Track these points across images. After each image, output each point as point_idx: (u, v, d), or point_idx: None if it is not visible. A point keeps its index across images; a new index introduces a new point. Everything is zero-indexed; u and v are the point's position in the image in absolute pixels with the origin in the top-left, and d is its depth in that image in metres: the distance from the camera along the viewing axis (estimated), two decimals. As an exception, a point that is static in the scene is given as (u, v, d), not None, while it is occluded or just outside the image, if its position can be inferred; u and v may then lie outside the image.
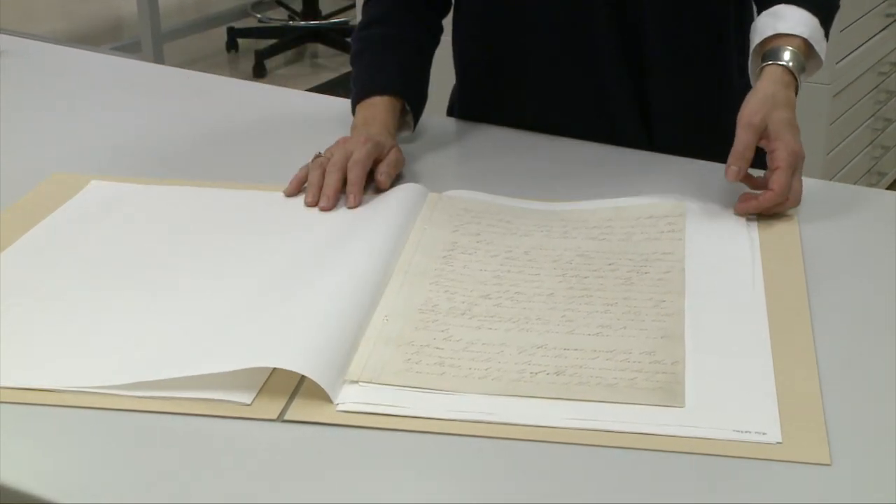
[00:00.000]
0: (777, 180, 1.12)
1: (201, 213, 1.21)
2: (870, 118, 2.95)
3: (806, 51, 1.20)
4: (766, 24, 1.21)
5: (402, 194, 1.21)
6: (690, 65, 1.34)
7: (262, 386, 0.91)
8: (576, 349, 0.95)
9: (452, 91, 1.51)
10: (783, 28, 1.19)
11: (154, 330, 0.98)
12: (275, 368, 0.92)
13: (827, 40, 1.22)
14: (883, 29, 2.82)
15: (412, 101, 1.35)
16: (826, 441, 0.84)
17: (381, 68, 1.36)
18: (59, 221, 1.18)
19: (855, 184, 2.78)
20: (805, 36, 1.19)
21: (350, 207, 1.18)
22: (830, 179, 2.68)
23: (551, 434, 0.85)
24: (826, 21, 1.22)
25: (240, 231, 1.17)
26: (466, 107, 1.47)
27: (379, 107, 1.31)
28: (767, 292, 1.04)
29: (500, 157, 1.34)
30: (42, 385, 0.91)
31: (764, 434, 0.85)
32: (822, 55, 1.21)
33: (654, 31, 1.31)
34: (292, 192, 1.22)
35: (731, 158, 1.14)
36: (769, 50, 1.19)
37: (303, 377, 0.91)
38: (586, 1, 1.30)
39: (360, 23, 1.42)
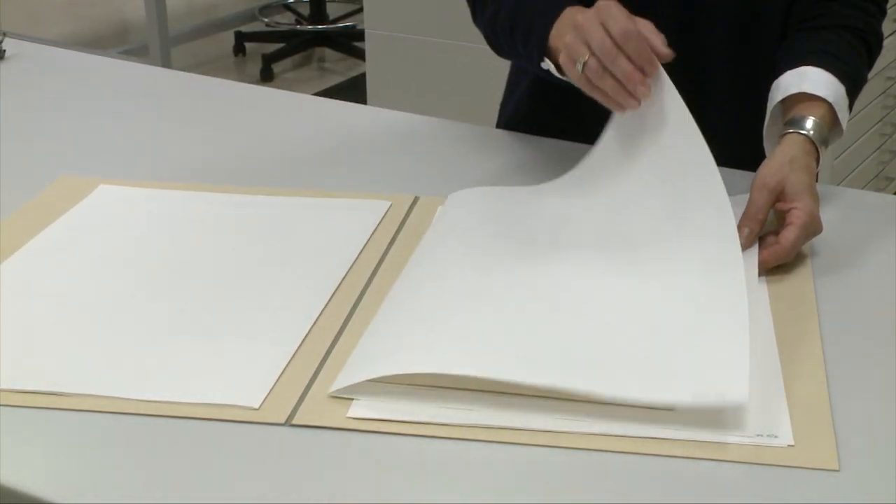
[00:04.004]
0: (786, 236, 1.06)
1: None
2: (877, 123, 2.95)
3: (830, 119, 1.15)
4: (791, 82, 1.17)
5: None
6: (750, 90, 1.30)
7: (271, 390, 0.91)
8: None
9: (502, 104, 1.50)
10: (809, 88, 1.15)
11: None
12: (283, 371, 0.93)
13: (850, 112, 1.18)
14: (891, 34, 2.82)
15: None
16: (835, 446, 0.84)
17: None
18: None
19: (862, 188, 2.78)
20: (830, 100, 1.15)
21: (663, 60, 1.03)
22: (838, 184, 2.68)
23: (559, 439, 0.85)
24: (852, 92, 1.18)
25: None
26: (518, 119, 1.45)
27: (575, 10, 1.12)
28: (775, 297, 1.03)
29: (549, 169, 1.32)
30: (45, 389, 0.91)
31: (775, 437, 0.84)
32: (844, 125, 1.17)
33: (718, 55, 1.29)
34: (626, 104, 1.05)
35: (742, 219, 1.08)
36: (792, 118, 1.15)
37: (311, 382, 0.91)
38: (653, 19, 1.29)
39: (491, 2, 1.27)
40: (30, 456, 0.85)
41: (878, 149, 3.00)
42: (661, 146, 1.10)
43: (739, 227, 1.07)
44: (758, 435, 0.85)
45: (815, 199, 1.09)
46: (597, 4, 1.06)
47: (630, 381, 0.88)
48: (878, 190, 2.99)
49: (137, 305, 1.03)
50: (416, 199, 1.24)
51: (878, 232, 1.16)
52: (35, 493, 0.81)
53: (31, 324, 1.00)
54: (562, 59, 1.09)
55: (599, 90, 1.05)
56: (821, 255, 1.11)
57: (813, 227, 1.08)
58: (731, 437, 0.84)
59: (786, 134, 1.14)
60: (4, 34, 1.76)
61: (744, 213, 1.09)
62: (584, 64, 1.04)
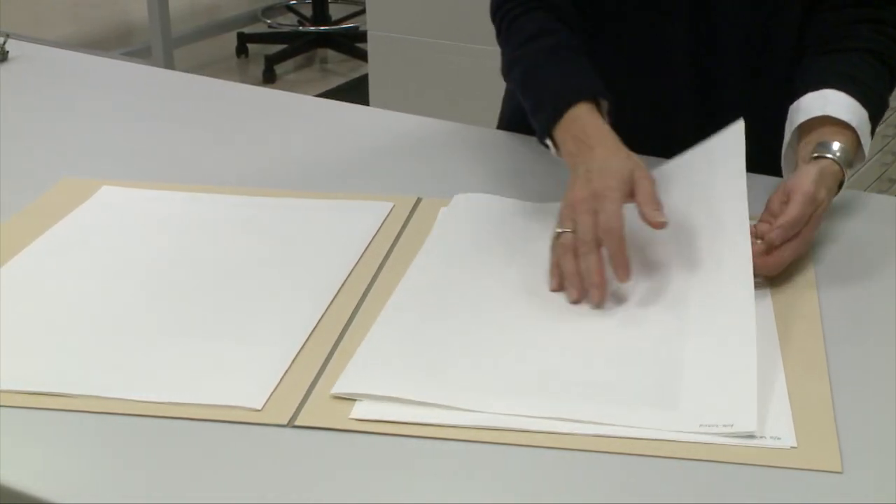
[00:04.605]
0: (785, 247, 1.04)
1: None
2: (881, 125, 2.94)
3: (853, 144, 1.13)
4: (814, 104, 1.14)
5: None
6: (760, 94, 1.30)
7: (273, 391, 0.91)
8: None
9: (503, 103, 1.49)
10: (832, 111, 1.12)
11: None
12: (286, 373, 0.93)
13: (871, 138, 1.16)
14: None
15: (609, 100, 1.18)
16: (838, 448, 0.84)
17: (572, 75, 1.18)
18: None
19: (866, 190, 2.77)
20: (854, 125, 1.12)
21: (622, 282, 1.01)
22: (841, 186, 2.67)
23: (562, 441, 0.85)
24: (874, 117, 1.16)
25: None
26: (520, 118, 1.45)
27: (586, 118, 1.13)
28: (777, 299, 1.03)
29: (552, 172, 1.29)
30: (48, 390, 0.91)
31: (778, 439, 0.84)
32: (867, 150, 1.14)
33: (730, 77, 1.29)
34: (556, 287, 1.04)
35: (785, 222, 1.04)
36: (821, 142, 1.12)
37: (313, 383, 0.92)
38: (664, 20, 1.28)
39: (516, 41, 1.26)
40: (32, 457, 0.85)
41: (880, 150, 3.00)
42: (700, 204, 1.10)
43: (776, 227, 1.04)
44: (761, 437, 0.85)
45: (819, 224, 1.09)
46: (596, 188, 1.04)
47: (637, 410, 0.88)
48: (881, 192, 2.99)
49: (140, 306, 1.03)
50: (418, 201, 1.24)
51: (880, 234, 1.16)
52: (37, 494, 0.81)
53: (33, 325, 1.00)
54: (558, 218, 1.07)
55: (560, 266, 1.04)
56: (823, 257, 1.11)
57: (805, 247, 1.07)
58: (734, 439, 0.84)
59: (815, 158, 1.11)
60: (7, 35, 1.76)
61: (786, 219, 1.04)
62: (561, 235, 1.04)
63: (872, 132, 1.16)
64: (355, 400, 0.89)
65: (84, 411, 0.89)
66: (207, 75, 1.75)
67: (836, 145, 1.11)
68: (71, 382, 0.92)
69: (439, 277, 1.07)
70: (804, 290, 1.05)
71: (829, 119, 1.13)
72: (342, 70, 4.57)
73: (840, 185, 1.12)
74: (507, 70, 1.27)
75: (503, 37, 1.30)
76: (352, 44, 4.53)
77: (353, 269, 1.09)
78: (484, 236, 1.14)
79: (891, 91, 1.23)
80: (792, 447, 0.84)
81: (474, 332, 0.98)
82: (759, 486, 0.80)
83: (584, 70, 1.19)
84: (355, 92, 4.08)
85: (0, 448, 0.85)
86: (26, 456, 0.85)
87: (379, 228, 1.17)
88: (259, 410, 0.89)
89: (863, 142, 1.14)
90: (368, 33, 2.95)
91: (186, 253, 1.14)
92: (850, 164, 1.12)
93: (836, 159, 1.10)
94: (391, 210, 1.21)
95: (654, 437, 0.85)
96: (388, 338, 0.97)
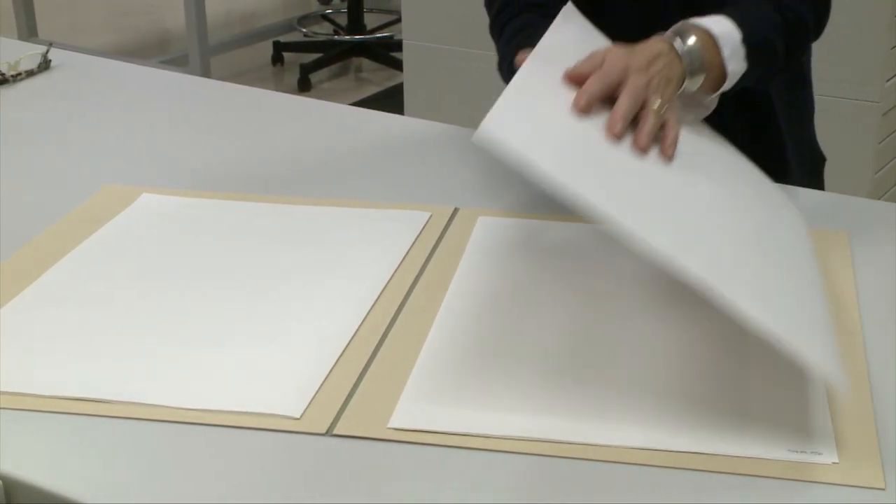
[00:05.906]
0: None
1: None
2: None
3: (706, 43, 1.10)
4: (689, 20, 1.14)
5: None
6: (756, 100, 1.31)
7: (312, 400, 0.91)
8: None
9: None
10: (697, 21, 1.12)
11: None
12: (325, 382, 0.93)
13: (746, 67, 1.13)
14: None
15: None
16: (880, 463, 0.83)
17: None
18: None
19: (903, 202, 2.74)
20: (715, 33, 1.11)
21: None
22: (879, 198, 2.65)
23: (600, 452, 0.85)
24: (749, 43, 1.13)
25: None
26: None
27: None
28: (818, 312, 1.03)
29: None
30: (87, 396, 0.92)
31: (819, 454, 0.84)
32: (729, 67, 1.11)
33: None
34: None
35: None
36: (677, 28, 1.11)
37: (352, 392, 0.92)
38: (654, 25, 1.28)
39: (503, 44, 1.34)
40: (71, 462, 0.85)
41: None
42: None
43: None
44: (801, 452, 0.84)
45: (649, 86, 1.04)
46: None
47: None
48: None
49: (179, 314, 1.04)
50: (455, 211, 1.24)
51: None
52: (75, 498, 0.81)
53: (73, 332, 1.01)
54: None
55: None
56: (864, 270, 1.10)
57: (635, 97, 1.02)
58: (775, 454, 0.84)
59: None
60: (51, 44, 1.78)
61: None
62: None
63: (749, 60, 1.13)
64: (393, 408, 0.89)
65: (122, 417, 0.90)
66: (243, 83, 1.76)
67: (691, 39, 1.10)
68: (109, 388, 0.93)
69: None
70: (845, 304, 1.04)
71: (690, 24, 1.12)
72: (377, 79, 4.59)
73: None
74: (499, 69, 1.34)
75: (499, 46, 1.36)
76: (387, 53, 4.55)
77: (391, 278, 1.09)
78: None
79: (785, 39, 1.19)
80: (833, 462, 0.83)
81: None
82: (800, 502, 0.80)
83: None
84: (390, 100, 4.09)
85: (42, 453, 0.86)
86: (66, 461, 0.86)
87: (416, 238, 1.17)
88: (297, 419, 0.89)
89: (725, 54, 1.11)
90: (404, 42, 2.96)
91: (225, 260, 1.14)
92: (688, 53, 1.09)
93: (669, 41, 1.09)
94: (428, 220, 1.21)
95: (694, 449, 0.85)
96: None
